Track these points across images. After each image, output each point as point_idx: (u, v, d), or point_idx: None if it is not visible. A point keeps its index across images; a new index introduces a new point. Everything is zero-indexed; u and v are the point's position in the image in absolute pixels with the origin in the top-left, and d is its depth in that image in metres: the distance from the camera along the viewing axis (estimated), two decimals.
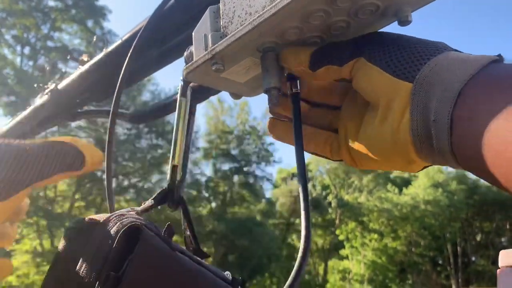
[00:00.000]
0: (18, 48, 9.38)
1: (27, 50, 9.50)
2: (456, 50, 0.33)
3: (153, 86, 10.22)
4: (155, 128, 9.98)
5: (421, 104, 0.30)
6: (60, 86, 0.72)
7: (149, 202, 0.45)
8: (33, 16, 9.14)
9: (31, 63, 9.41)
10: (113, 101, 0.48)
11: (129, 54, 0.52)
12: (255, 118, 12.15)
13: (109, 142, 0.48)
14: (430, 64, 0.31)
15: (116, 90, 0.50)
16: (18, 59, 9.38)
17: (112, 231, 0.35)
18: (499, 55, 0.30)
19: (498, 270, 0.63)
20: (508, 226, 16.97)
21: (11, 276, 8.21)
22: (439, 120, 0.28)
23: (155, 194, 0.47)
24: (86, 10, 9.33)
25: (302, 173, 0.39)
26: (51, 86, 0.73)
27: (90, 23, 9.48)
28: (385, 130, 0.33)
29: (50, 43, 9.51)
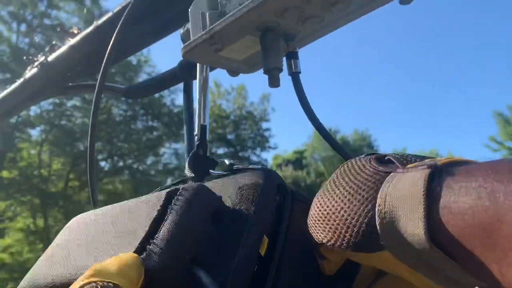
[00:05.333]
0: (14, 25, 9.26)
1: (23, 27, 9.38)
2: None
3: (150, 68, 10.10)
4: (151, 110, 9.92)
5: None
6: (50, 59, 0.70)
7: (188, 172, 0.46)
8: None
9: (27, 40, 9.29)
10: (100, 74, 0.47)
11: (118, 27, 0.51)
12: (252, 103, 12.12)
13: (93, 114, 0.47)
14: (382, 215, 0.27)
15: (104, 63, 0.49)
16: (14, 36, 9.27)
17: None
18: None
19: None
20: None
21: (4, 253, 8.23)
22: None
23: (190, 160, 0.46)
24: None
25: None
26: (41, 58, 0.71)
27: (88, 1, 9.36)
28: None
29: (47, 21, 9.39)
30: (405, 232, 0.25)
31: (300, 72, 0.42)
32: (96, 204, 0.55)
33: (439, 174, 0.25)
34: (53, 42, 0.71)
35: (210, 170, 0.45)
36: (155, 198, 0.35)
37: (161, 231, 0.30)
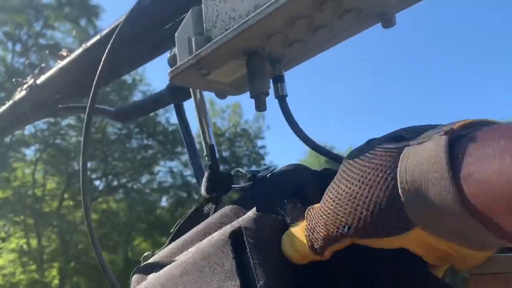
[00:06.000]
0: (10, 44, 9.30)
1: (18, 47, 9.42)
2: None
3: (145, 86, 10.11)
4: (146, 128, 9.91)
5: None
6: (39, 81, 0.70)
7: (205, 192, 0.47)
8: (26, 13, 9.06)
9: (22, 60, 9.31)
10: (90, 98, 0.47)
11: (107, 50, 0.51)
12: (247, 121, 12.13)
13: (84, 140, 0.46)
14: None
15: (93, 86, 0.48)
16: (9, 56, 9.30)
17: None
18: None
19: None
20: None
21: None
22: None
23: (206, 183, 0.47)
24: (79, 8, 9.28)
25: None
26: (30, 81, 0.71)
27: (83, 22, 9.43)
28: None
29: (42, 41, 9.43)
30: (436, 205, 0.25)
31: (286, 95, 0.42)
32: (89, 224, 0.53)
33: (458, 139, 0.25)
34: (42, 65, 0.71)
35: (232, 185, 0.47)
36: (214, 248, 0.34)
37: (260, 282, 0.30)
